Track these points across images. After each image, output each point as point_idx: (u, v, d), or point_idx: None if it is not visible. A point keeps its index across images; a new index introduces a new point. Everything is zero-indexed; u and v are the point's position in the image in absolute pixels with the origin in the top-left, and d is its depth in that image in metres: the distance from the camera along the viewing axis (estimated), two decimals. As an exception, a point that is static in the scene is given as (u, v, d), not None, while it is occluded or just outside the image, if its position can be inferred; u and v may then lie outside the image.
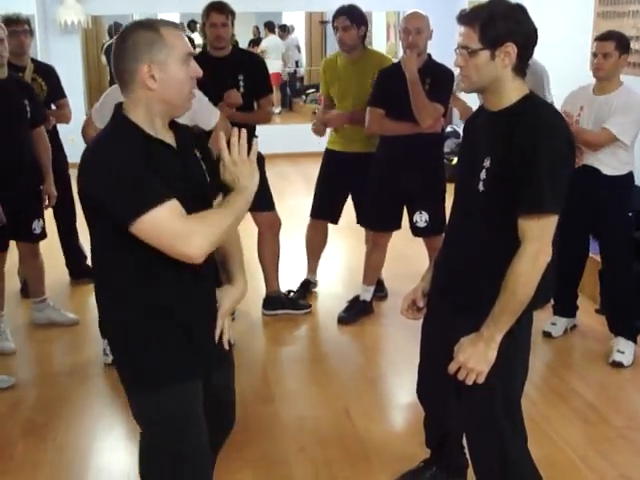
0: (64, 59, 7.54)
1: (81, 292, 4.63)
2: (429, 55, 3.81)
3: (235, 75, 3.91)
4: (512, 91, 2.00)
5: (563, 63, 4.98)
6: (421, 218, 3.95)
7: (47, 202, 3.95)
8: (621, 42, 3.48)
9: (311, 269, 4.61)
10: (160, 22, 1.80)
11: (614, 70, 3.49)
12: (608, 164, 3.56)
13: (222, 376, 2.07)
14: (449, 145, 7.19)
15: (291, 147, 8.76)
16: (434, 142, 3.92)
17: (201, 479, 2.04)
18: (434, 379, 2.33)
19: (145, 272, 1.82)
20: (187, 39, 1.85)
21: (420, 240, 4.14)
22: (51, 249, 4.53)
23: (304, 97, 12.88)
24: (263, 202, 3.78)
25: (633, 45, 4.23)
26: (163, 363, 1.87)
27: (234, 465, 2.74)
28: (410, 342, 2.96)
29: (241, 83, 3.92)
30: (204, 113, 3.27)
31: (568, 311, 3.98)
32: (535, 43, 2.01)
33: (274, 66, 11.41)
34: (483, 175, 2.00)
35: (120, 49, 1.78)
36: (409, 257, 4.83)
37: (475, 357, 2.01)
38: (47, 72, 4.52)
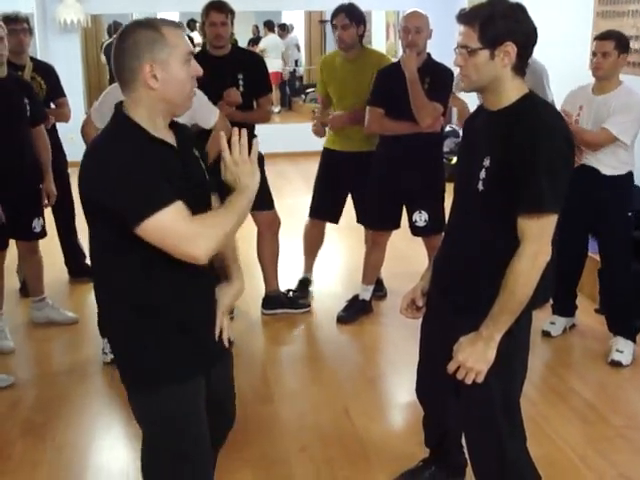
0: (63, 58, 7.55)
1: (80, 291, 4.63)
2: (429, 54, 3.81)
3: (234, 74, 3.91)
4: (512, 90, 2.00)
5: (562, 62, 4.98)
6: (420, 217, 3.95)
7: (47, 201, 3.95)
8: (620, 41, 3.48)
9: (307, 268, 4.61)
10: (161, 21, 1.80)
11: (613, 69, 3.49)
12: (608, 164, 3.56)
13: (222, 374, 2.08)
14: (448, 144, 7.19)
15: (290, 146, 8.76)
16: (433, 141, 3.92)
17: (202, 479, 2.04)
18: (433, 378, 2.33)
19: (145, 272, 1.82)
20: (187, 38, 1.85)
21: (419, 239, 4.14)
22: (50, 248, 4.53)
23: (303, 96, 12.89)
24: (262, 201, 3.76)
25: (633, 45, 4.23)
26: (163, 363, 1.87)
27: (234, 465, 2.74)
28: (409, 341, 2.97)
29: (240, 82, 3.91)
30: (204, 112, 3.28)
31: (567, 310, 3.98)
32: (535, 42, 2.01)
33: (274, 65, 11.42)
34: (483, 175, 2.00)
35: (121, 48, 1.77)
36: (408, 256, 4.84)
37: (474, 356, 2.01)
38: (46, 71, 4.52)
